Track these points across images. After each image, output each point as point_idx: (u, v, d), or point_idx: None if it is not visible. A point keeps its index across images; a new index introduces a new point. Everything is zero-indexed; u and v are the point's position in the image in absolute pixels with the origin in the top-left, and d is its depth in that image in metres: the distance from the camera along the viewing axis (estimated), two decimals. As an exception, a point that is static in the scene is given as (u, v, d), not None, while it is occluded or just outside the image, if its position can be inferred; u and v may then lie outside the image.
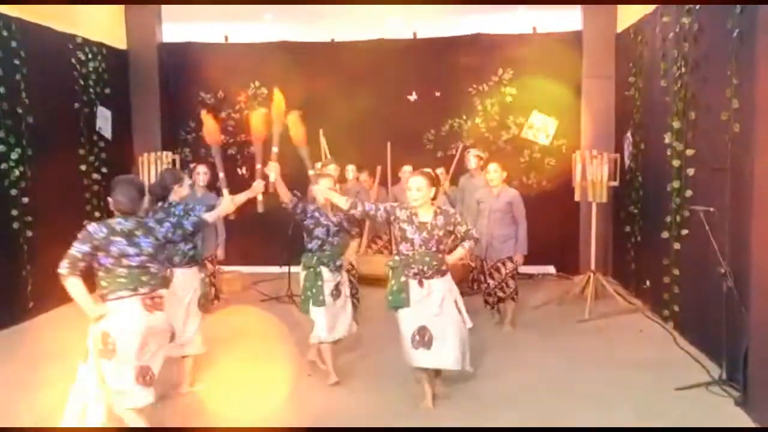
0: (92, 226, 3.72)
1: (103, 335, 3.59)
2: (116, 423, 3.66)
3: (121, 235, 3.64)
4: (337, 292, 5.02)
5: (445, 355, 4.38)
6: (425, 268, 4.37)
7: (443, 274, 4.44)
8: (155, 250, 3.73)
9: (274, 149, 4.86)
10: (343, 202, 4.55)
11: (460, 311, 4.47)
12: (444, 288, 4.45)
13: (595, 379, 5.11)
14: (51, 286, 7.12)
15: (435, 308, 4.37)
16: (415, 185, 4.37)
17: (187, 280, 4.74)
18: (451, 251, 4.65)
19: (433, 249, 4.38)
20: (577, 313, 6.88)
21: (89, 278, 3.81)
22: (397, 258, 4.49)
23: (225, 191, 4.65)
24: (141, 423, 3.69)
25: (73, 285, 3.75)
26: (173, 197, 4.84)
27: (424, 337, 4.35)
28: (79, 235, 3.70)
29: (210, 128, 4.87)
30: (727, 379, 4.79)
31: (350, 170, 8.01)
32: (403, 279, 4.39)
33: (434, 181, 4.43)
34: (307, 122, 7.42)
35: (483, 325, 6.59)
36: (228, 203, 4.56)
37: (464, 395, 4.83)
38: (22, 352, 5.92)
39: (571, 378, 5.16)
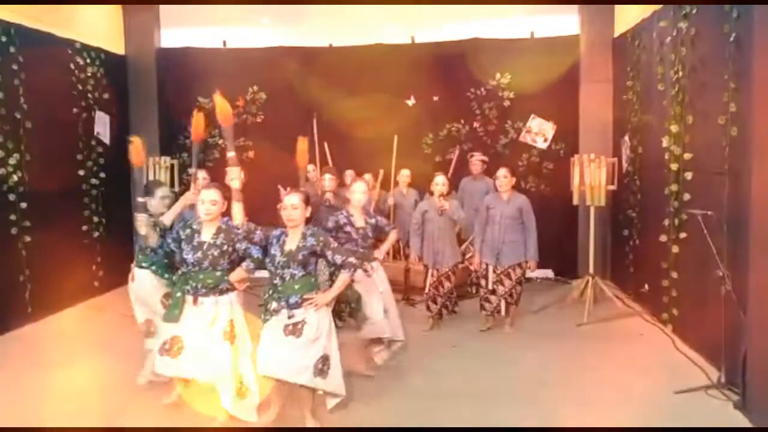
0: None
1: None
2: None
3: None
4: (292, 328, 4.15)
5: (194, 367, 4.18)
6: (199, 286, 4.23)
7: (221, 292, 4.25)
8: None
9: (230, 154, 4.82)
10: (153, 241, 4.64)
11: (233, 333, 4.26)
12: (218, 307, 4.25)
13: (595, 383, 5.12)
14: (50, 291, 7.19)
15: (205, 326, 4.20)
16: (208, 198, 4.21)
17: None
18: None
19: (208, 268, 4.21)
20: (576, 317, 6.88)
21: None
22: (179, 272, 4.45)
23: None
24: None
25: None
26: None
27: (173, 347, 4.21)
28: None
29: (198, 126, 5.08)
30: (726, 383, 4.79)
31: (348, 175, 8.03)
32: (179, 294, 4.29)
33: (224, 197, 4.28)
34: (306, 127, 7.51)
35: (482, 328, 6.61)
36: (187, 197, 4.85)
37: (464, 396, 4.84)
38: (21, 358, 5.91)
39: (571, 381, 5.17)
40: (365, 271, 5.02)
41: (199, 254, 4.21)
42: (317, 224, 6.67)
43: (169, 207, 4.88)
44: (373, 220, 5.28)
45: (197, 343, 4.19)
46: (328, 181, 6.47)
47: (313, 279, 4.25)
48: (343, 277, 4.23)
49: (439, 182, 6.43)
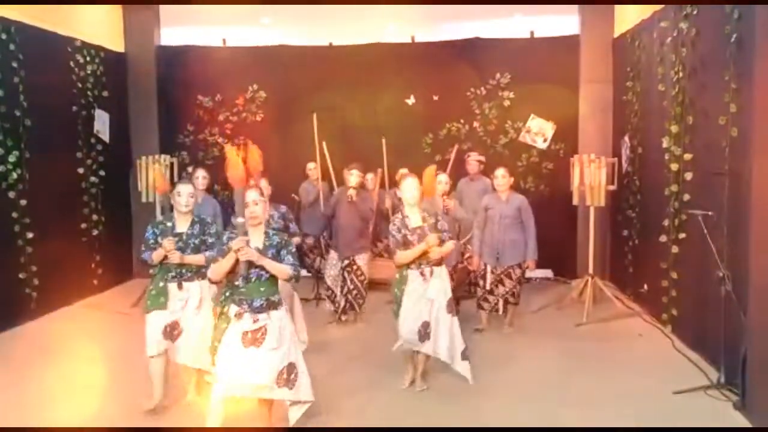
0: None
1: None
2: None
3: None
4: (251, 337, 3.90)
5: (184, 350, 4.53)
6: (183, 271, 4.51)
7: (204, 276, 4.47)
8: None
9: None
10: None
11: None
12: (199, 290, 4.56)
13: (594, 383, 5.12)
14: (49, 289, 7.18)
15: (190, 309, 4.52)
16: (186, 191, 4.53)
17: None
18: None
19: (190, 255, 4.51)
20: (575, 317, 6.89)
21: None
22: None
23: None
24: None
25: None
26: None
27: (173, 332, 4.51)
28: None
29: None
30: (725, 383, 4.79)
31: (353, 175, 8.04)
32: (162, 284, 4.53)
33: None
34: (305, 126, 7.51)
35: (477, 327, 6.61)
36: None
37: (464, 396, 4.83)
38: (22, 356, 5.90)
39: (570, 381, 5.17)
40: (422, 274, 4.80)
41: (180, 243, 4.47)
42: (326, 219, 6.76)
43: None
44: (432, 219, 4.88)
45: (189, 326, 4.50)
46: (354, 177, 6.54)
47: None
48: (284, 267, 3.91)
49: (442, 181, 6.42)
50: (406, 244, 4.81)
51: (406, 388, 4.99)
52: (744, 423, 4.35)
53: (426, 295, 4.83)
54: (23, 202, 6.87)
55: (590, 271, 7.35)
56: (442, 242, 4.82)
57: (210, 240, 4.55)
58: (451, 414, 4.56)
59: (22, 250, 6.90)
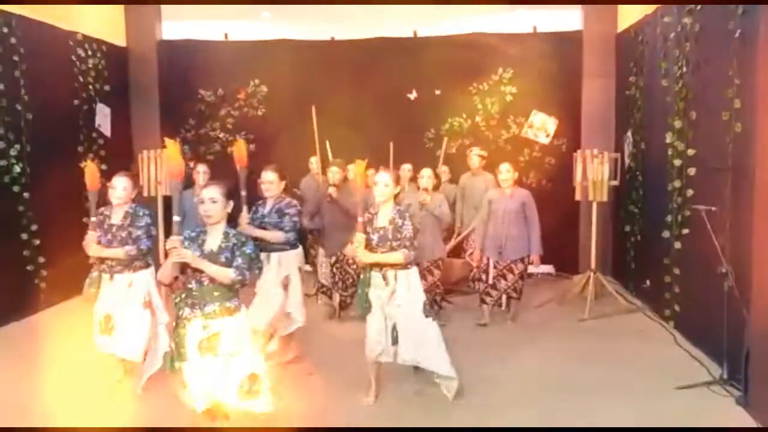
0: None
1: None
2: None
3: None
4: (207, 344, 3.71)
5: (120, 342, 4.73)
6: (114, 264, 4.71)
7: (135, 269, 4.73)
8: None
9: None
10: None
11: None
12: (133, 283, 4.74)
13: (596, 379, 5.11)
14: (57, 280, 7.19)
15: (123, 298, 4.71)
16: (120, 185, 4.79)
17: None
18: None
19: (117, 247, 4.68)
20: (577, 313, 6.88)
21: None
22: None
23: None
24: None
25: None
26: None
27: (107, 325, 4.73)
28: None
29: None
30: (728, 379, 4.80)
31: (351, 170, 8.01)
32: (95, 274, 4.76)
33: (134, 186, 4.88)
34: (307, 120, 7.50)
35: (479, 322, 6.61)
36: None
37: (464, 392, 4.82)
38: (31, 346, 5.92)
39: (571, 377, 5.16)
40: (384, 278, 4.50)
41: (109, 236, 4.69)
42: (320, 217, 6.70)
43: None
44: (400, 222, 4.50)
45: (124, 319, 4.68)
46: (334, 174, 6.44)
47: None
48: (226, 271, 3.64)
49: (425, 175, 6.42)
50: (368, 243, 4.46)
51: (402, 388, 4.91)
52: (747, 419, 4.35)
53: (394, 302, 4.51)
54: (26, 195, 6.89)
55: (592, 266, 7.34)
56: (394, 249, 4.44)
57: (137, 233, 4.68)
58: (452, 411, 4.55)
59: (28, 243, 6.93)
